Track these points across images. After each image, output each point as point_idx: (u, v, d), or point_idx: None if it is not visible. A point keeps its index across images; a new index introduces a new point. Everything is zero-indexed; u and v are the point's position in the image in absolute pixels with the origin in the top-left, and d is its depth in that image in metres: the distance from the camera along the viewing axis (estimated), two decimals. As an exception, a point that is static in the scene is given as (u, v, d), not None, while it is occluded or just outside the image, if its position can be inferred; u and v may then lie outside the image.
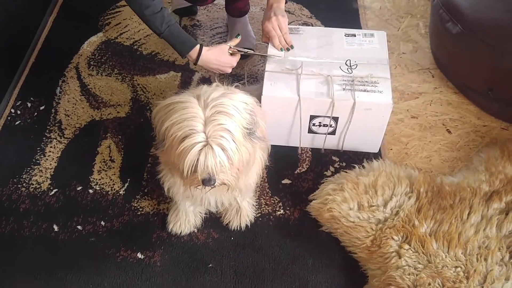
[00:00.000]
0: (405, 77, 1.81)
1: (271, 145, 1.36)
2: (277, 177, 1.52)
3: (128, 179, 1.53)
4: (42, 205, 1.47)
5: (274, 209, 1.46)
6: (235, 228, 1.40)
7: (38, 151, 1.60)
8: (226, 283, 1.31)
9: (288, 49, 1.51)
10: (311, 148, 1.59)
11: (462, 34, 1.56)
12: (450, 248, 1.26)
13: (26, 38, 1.92)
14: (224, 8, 1.88)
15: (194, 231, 1.41)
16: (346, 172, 1.47)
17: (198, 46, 1.39)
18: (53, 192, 1.50)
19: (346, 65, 1.48)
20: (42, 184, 1.52)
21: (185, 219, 1.38)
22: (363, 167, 1.48)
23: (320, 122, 1.48)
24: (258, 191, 1.49)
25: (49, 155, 1.59)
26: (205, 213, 1.42)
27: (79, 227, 1.42)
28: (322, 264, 1.35)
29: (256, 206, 1.45)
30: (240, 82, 1.52)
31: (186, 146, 1.00)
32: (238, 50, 1.46)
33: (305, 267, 1.34)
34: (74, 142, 1.62)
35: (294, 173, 1.54)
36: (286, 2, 1.52)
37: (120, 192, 1.50)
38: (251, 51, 1.57)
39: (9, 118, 1.69)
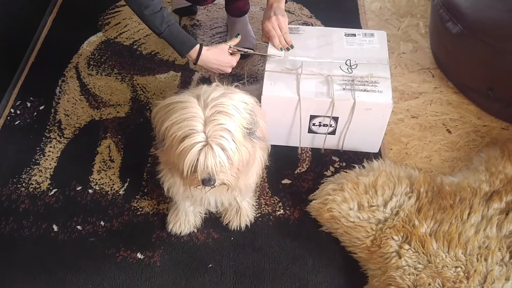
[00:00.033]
0: (405, 77, 1.80)
1: (271, 145, 1.36)
2: (277, 177, 1.52)
3: (128, 179, 1.53)
4: (41, 205, 1.47)
5: (274, 209, 1.46)
6: (235, 228, 1.40)
7: (38, 151, 1.60)
8: (226, 283, 1.31)
9: (288, 49, 1.51)
10: (311, 148, 1.59)
11: (462, 34, 1.56)
12: (450, 248, 1.26)
13: (25, 37, 1.92)
14: (224, 8, 1.88)
15: (194, 231, 1.40)
16: (346, 172, 1.47)
17: (197, 46, 1.39)
18: (52, 192, 1.50)
19: (346, 64, 1.48)
20: (41, 184, 1.52)
21: (185, 219, 1.38)
22: (363, 167, 1.48)
23: (320, 122, 1.48)
24: (258, 191, 1.49)
25: (48, 155, 1.59)
26: (205, 213, 1.42)
27: (78, 227, 1.42)
28: (322, 264, 1.35)
29: (256, 206, 1.45)
30: (240, 82, 1.52)
31: (186, 146, 0.99)
32: (238, 50, 1.46)
33: (305, 267, 1.34)
34: (74, 142, 1.62)
35: (294, 173, 1.53)
36: (286, 2, 1.52)
37: (120, 192, 1.50)
38: (251, 51, 1.57)
39: (8, 118, 1.69)
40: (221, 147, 1.00)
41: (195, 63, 1.42)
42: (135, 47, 1.91)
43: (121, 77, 1.81)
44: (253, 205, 1.43)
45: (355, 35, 1.57)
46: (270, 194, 1.49)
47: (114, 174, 1.54)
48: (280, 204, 1.47)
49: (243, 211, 1.39)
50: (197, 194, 1.20)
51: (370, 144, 1.55)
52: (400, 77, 1.80)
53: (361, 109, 1.41)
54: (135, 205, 1.47)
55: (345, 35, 1.57)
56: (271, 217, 1.44)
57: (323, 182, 1.47)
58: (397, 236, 1.30)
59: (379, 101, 1.40)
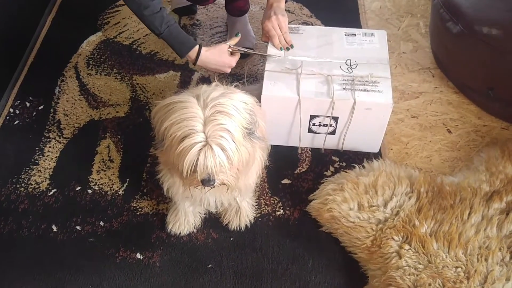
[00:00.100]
0: (405, 76, 1.80)
1: (271, 145, 1.36)
2: (277, 177, 1.52)
3: (127, 179, 1.52)
4: (41, 205, 1.47)
5: (274, 209, 1.45)
6: (235, 228, 1.40)
7: (37, 151, 1.59)
8: (226, 284, 1.31)
9: (288, 49, 1.50)
10: (311, 148, 1.59)
11: (463, 34, 1.56)
12: (450, 248, 1.26)
13: (25, 37, 1.92)
14: (224, 7, 1.87)
15: (193, 231, 1.40)
16: (346, 172, 1.47)
17: (197, 47, 1.38)
18: (52, 192, 1.49)
19: (346, 64, 1.48)
20: (41, 184, 1.51)
21: (185, 219, 1.38)
22: (363, 167, 1.47)
23: (320, 122, 1.48)
24: (258, 191, 1.49)
25: (48, 155, 1.58)
26: (205, 213, 1.42)
27: (78, 227, 1.42)
28: (322, 265, 1.34)
29: (256, 206, 1.45)
30: (240, 82, 1.52)
31: (186, 146, 0.99)
32: (238, 49, 1.46)
33: (305, 268, 1.34)
34: (73, 142, 1.62)
35: (294, 173, 1.53)
36: (286, 1, 1.52)
37: (119, 192, 1.49)
38: (251, 51, 1.57)
39: (7, 118, 1.69)
40: (221, 147, 1.00)
41: (194, 64, 1.42)
42: (134, 46, 1.90)
43: (121, 76, 1.80)
44: (253, 205, 1.43)
45: (355, 35, 1.56)
46: (270, 194, 1.49)
47: (113, 174, 1.53)
48: (280, 204, 1.46)
49: (242, 211, 1.39)
50: (197, 194, 1.20)
51: (370, 144, 1.55)
52: (400, 76, 1.80)
53: (361, 109, 1.41)
54: (134, 205, 1.46)
55: (345, 34, 1.56)
56: (271, 217, 1.44)
57: (323, 182, 1.47)
58: (397, 236, 1.30)
59: (379, 101, 1.40)
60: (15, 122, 1.67)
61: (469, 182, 1.41)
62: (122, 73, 1.81)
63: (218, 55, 1.42)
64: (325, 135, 1.52)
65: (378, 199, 1.37)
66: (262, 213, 1.45)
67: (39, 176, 1.53)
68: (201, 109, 1.01)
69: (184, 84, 1.77)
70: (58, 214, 1.44)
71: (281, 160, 1.53)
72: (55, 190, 1.50)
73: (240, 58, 1.49)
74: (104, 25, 1.98)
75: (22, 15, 1.92)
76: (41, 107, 1.71)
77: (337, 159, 1.56)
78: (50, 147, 1.60)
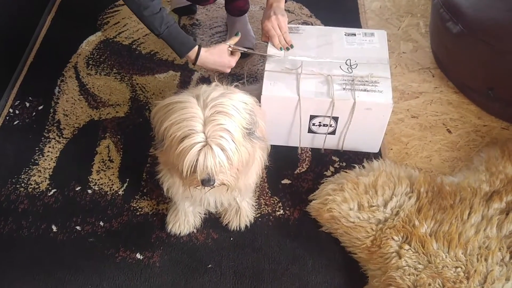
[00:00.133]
0: (405, 76, 1.80)
1: (271, 145, 1.35)
2: (276, 177, 1.52)
3: (127, 179, 1.52)
4: (40, 205, 1.47)
5: (273, 209, 1.45)
6: (235, 228, 1.39)
7: (37, 151, 1.59)
8: (226, 284, 1.31)
9: (288, 49, 1.50)
10: (311, 148, 1.59)
11: (463, 34, 1.56)
12: (450, 248, 1.26)
13: (24, 37, 1.92)
14: (224, 7, 1.87)
15: (193, 231, 1.40)
16: (346, 172, 1.47)
17: (196, 48, 1.39)
18: (51, 192, 1.49)
19: (346, 64, 1.48)
20: (40, 184, 1.51)
21: (184, 220, 1.37)
22: (363, 167, 1.47)
23: (320, 122, 1.48)
24: (258, 191, 1.48)
25: (47, 155, 1.58)
26: (205, 214, 1.42)
27: (78, 227, 1.42)
28: (322, 265, 1.34)
29: (256, 206, 1.45)
30: (240, 82, 1.51)
31: (185, 146, 0.99)
32: (238, 49, 1.46)
33: (305, 268, 1.34)
34: (73, 142, 1.62)
35: (294, 173, 1.53)
36: (286, 1, 1.52)
37: (119, 192, 1.49)
38: (251, 50, 1.56)
39: (7, 118, 1.69)
40: (221, 148, 1.00)
41: (194, 64, 1.43)
42: (134, 46, 1.90)
43: (120, 76, 1.80)
44: (252, 205, 1.43)
45: (355, 35, 1.56)
46: (270, 194, 1.49)
47: (113, 174, 1.53)
48: (280, 204, 1.46)
49: (242, 211, 1.39)
50: (197, 194, 1.19)
51: (370, 144, 1.55)
52: (400, 76, 1.80)
53: (361, 109, 1.41)
54: (134, 205, 1.46)
55: (345, 34, 1.56)
56: (271, 217, 1.44)
57: (323, 182, 1.46)
58: (397, 236, 1.30)
59: (379, 101, 1.40)
60: (15, 122, 1.67)
61: (469, 182, 1.41)
62: (121, 73, 1.81)
63: (217, 56, 1.42)
64: (325, 135, 1.52)
65: (378, 199, 1.37)
66: (262, 213, 1.44)
67: (39, 176, 1.53)
68: (201, 109, 1.01)
69: (184, 84, 1.76)
70: (58, 214, 1.44)
71: (281, 160, 1.53)
72: (55, 190, 1.50)
73: (240, 58, 1.49)
74: (103, 25, 1.98)
75: (22, 15, 1.92)
76: (40, 107, 1.71)
77: (337, 159, 1.56)
78: (50, 147, 1.60)
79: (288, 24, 1.50)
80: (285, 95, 1.42)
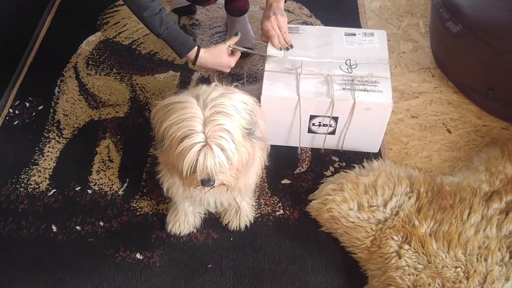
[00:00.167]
0: (405, 76, 1.80)
1: (271, 145, 1.35)
2: (276, 177, 1.52)
3: (127, 179, 1.52)
4: (40, 205, 1.47)
5: (273, 209, 1.45)
6: (235, 228, 1.40)
7: (37, 151, 1.59)
8: (226, 284, 1.31)
9: (287, 49, 1.50)
10: (311, 148, 1.59)
11: (463, 34, 1.56)
12: (450, 248, 1.26)
13: (24, 37, 1.92)
14: (223, 7, 1.87)
15: (193, 231, 1.40)
16: (346, 172, 1.47)
17: (195, 49, 1.39)
18: (51, 193, 1.49)
19: (346, 64, 1.48)
20: (40, 185, 1.51)
21: (184, 220, 1.38)
22: (363, 167, 1.47)
23: (320, 122, 1.48)
24: (258, 191, 1.48)
25: (47, 155, 1.58)
26: (204, 214, 1.42)
27: (77, 227, 1.42)
28: (321, 265, 1.34)
29: (256, 206, 1.45)
30: (240, 82, 1.52)
31: (185, 146, 0.99)
32: (238, 49, 1.46)
33: (304, 268, 1.34)
34: (73, 142, 1.62)
35: (294, 173, 1.53)
36: (285, 1, 1.51)
37: (119, 192, 1.49)
38: (251, 50, 1.56)
39: (7, 118, 1.69)
40: (221, 148, 1.00)
41: (193, 64, 1.43)
42: (134, 46, 1.90)
43: (120, 77, 1.80)
44: (252, 205, 1.43)
45: (355, 35, 1.56)
46: (269, 194, 1.49)
47: (113, 174, 1.53)
48: (280, 204, 1.46)
49: (242, 211, 1.39)
50: (197, 194, 1.20)
51: (370, 144, 1.55)
52: (400, 76, 1.80)
53: (361, 109, 1.41)
54: (134, 205, 1.46)
55: (345, 34, 1.56)
56: (271, 217, 1.44)
57: (322, 182, 1.47)
58: (397, 236, 1.30)
59: (379, 101, 1.40)
60: (15, 122, 1.67)
61: (469, 182, 1.41)
62: (121, 73, 1.81)
63: (216, 56, 1.43)
64: (325, 135, 1.52)
65: (378, 199, 1.37)
66: (262, 213, 1.45)
67: (39, 176, 1.53)
68: (200, 109, 1.01)
69: (183, 84, 1.76)
70: (58, 214, 1.44)
71: (281, 160, 1.53)
72: (54, 190, 1.50)
73: (239, 58, 1.50)
74: (103, 25, 1.98)
75: (22, 15, 1.92)
76: (40, 107, 1.71)
77: (337, 159, 1.56)
78: (49, 147, 1.60)
79: (287, 24, 1.50)
80: (285, 95, 1.42)
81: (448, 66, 1.76)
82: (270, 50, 1.50)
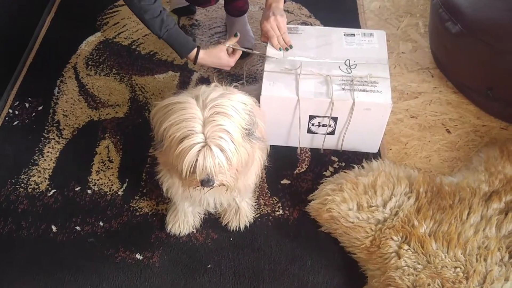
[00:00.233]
0: (404, 76, 1.80)
1: (270, 145, 1.36)
2: (276, 177, 1.52)
3: (127, 180, 1.52)
4: (40, 205, 1.47)
5: (273, 209, 1.46)
6: (234, 228, 1.40)
7: (36, 151, 1.59)
8: (225, 284, 1.31)
9: (287, 49, 1.50)
10: (310, 148, 1.59)
11: (462, 34, 1.56)
12: (449, 249, 1.26)
13: (24, 37, 1.92)
14: (223, 8, 1.87)
15: (193, 231, 1.40)
16: (345, 172, 1.47)
17: (195, 49, 1.41)
18: (51, 193, 1.49)
19: (345, 65, 1.48)
20: (40, 185, 1.51)
21: (184, 220, 1.38)
22: (362, 167, 1.48)
23: (319, 122, 1.48)
24: (257, 192, 1.49)
25: (47, 156, 1.58)
26: (204, 214, 1.42)
27: (77, 227, 1.42)
28: (321, 265, 1.34)
29: (255, 207, 1.45)
30: (239, 82, 1.52)
31: (185, 147, 0.99)
32: (239, 49, 1.47)
33: (304, 268, 1.34)
34: (73, 143, 1.62)
35: (293, 173, 1.53)
36: (285, 2, 1.52)
37: (119, 193, 1.49)
38: (250, 50, 1.57)
39: (7, 118, 1.69)
40: (220, 148, 1.00)
41: (194, 63, 1.45)
42: (133, 47, 1.90)
43: (120, 77, 1.80)
44: (252, 205, 1.43)
45: (354, 35, 1.56)
46: (269, 195, 1.49)
47: (113, 175, 1.53)
48: (279, 204, 1.47)
49: (242, 211, 1.39)
50: (196, 194, 1.20)
51: (369, 144, 1.55)
52: (400, 77, 1.80)
53: (360, 109, 1.41)
54: (134, 205, 1.46)
55: (344, 35, 1.56)
56: (270, 217, 1.44)
57: (322, 182, 1.47)
58: (396, 236, 1.30)
59: (378, 101, 1.40)
60: (15, 123, 1.67)
61: (468, 182, 1.41)
62: (121, 74, 1.81)
63: (216, 57, 1.45)
64: (324, 135, 1.52)
65: (377, 199, 1.37)
66: (262, 213, 1.45)
67: (39, 177, 1.53)
68: (200, 110, 1.01)
69: (183, 85, 1.77)
70: (57, 215, 1.45)
71: (281, 160, 1.53)
72: (54, 190, 1.50)
73: (239, 58, 1.50)
74: (103, 26, 1.98)
75: (22, 15, 1.92)
76: (40, 108, 1.71)
77: (336, 159, 1.56)
78: (49, 147, 1.60)
79: (287, 24, 1.51)
80: (284, 96, 1.42)
81: (448, 66, 1.76)
82: (270, 50, 1.50)
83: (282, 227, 1.42)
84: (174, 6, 1.98)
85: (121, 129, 1.65)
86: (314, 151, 1.58)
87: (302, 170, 1.54)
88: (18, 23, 1.90)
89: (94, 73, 1.82)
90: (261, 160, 1.23)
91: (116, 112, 1.70)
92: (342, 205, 1.37)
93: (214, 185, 1.06)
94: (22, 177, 1.53)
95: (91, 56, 1.87)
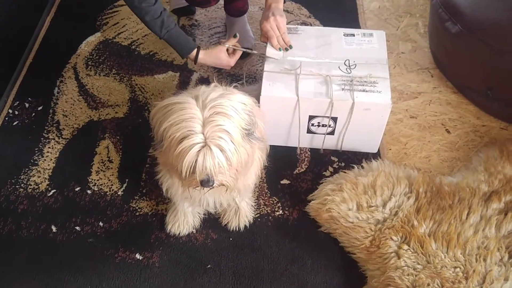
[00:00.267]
0: (404, 76, 1.80)
1: (270, 146, 1.35)
2: (276, 177, 1.52)
3: (127, 180, 1.52)
4: (40, 206, 1.47)
5: (273, 209, 1.46)
6: (234, 228, 1.40)
7: (36, 151, 1.59)
8: (225, 284, 1.31)
9: (286, 49, 1.51)
10: (310, 148, 1.59)
11: (461, 34, 1.56)
12: (449, 249, 1.26)
13: (24, 38, 1.92)
14: (223, 8, 1.87)
15: (192, 231, 1.40)
16: (345, 172, 1.47)
17: (195, 50, 1.42)
18: (51, 193, 1.50)
19: (345, 65, 1.48)
20: (40, 185, 1.51)
21: (184, 220, 1.38)
22: (362, 167, 1.48)
23: (319, 122, 1.48)
24: (257, 192, 1.49)
25: (47, 156, 1.58)
26: (204, 214, 1.42)
27: (77, 227, 1.42)
28: (321, 265, 1.35)
29: (255, 207, 1.45)
30: (239, 83, 1.52)
31: (185, 147, 0.99)
32: (239, 49, 1.48)
33: (304, 268, 1.34)
34: (72, 143, 1.62)
35: (293, 174, 1.53)
36: (284, 2, 1.52)
37: (119, 193, 1.49)
38: (250, 50, 1.57)
39: (7, 118, 1.69)
40: (220, 148, 1.00)
41: (195, 63, 1.47)
42: (133, 47, 1.90)
43: (120, 77, 1.80)
44: (252, 205, 1.43)
45: (354, 35, 1.56)
46: (269, 195, 1.49)
47: (112, 175, 1.54)
48: (279, 204, 1.47)
49: (242, 211, 1.39)
50: (196, 195, 1.20)
51: (369, 144, 1.55)
52: (399, 77, 1.80)
53: (360, 109, 1.41)
54: (133, 205, 1.46)
55: (344, 35, 1.57)
56: (270, 217, 1.44)
57: (322, 183, 1.47)
58: (396, 236, 1.30)
59: (378, 101, 1.40)
60: (14, 123, 1.68)
61: (468, 182, 1.41)
62: (121, 74, 1.81)
63: (216, 57, 1.46)
64: (324, 135, 1.52)
65: (377, 199, 1.37)
66: (261, 213, 1.45)
67: (39, 177, 1.53)
68: (200, 110, 1.01)
69: (183, 85, 1.77)
70: (57, 215, 1.45)
71: (280, 160, 1.53)
72: (54, 190, 1.50)
73: (239, 58, 1.50)
74: (103, 26, 1.98)
75: (22, 15, 1.92)
76: (40, 108, 1.72)
77: (336, 160, 1.56)
78: (49, 147, 1.60)
79: (287, 24, 1.51)
80: (284, 96, 1.42)
81: (447, 66, 1.76)
82: (269, 50, 1.50)
83: (281, 227, 1.42)
84: (174, 6, 1.98)
85: (121, 129, 1.65)
86: (314, 151, 1.58)
87: (302, 170, 1.54)
88: (18, 23, 1.90)
89: (94, 73, 1.82)
90: (261, 160, 1.23)
91: (116, 112, 1.70)
92: (342, 205, 1.37)
93: (213, 185, 1.06)
94: (22, 177, 1.53)
95: (91, 56, 1.87)
